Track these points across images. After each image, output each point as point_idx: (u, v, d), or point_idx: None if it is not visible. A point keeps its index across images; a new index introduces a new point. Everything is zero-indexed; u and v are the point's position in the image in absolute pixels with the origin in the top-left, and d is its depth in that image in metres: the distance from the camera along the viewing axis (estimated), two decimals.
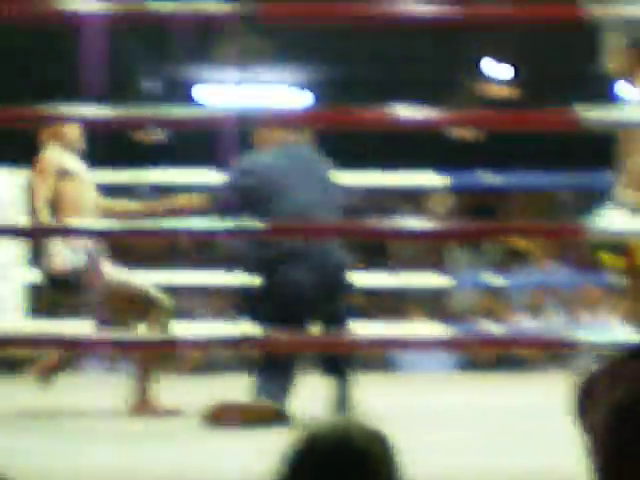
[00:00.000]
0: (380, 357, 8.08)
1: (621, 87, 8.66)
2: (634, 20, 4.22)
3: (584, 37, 4.96)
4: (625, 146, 4.11)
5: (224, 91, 10.04)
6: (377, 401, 4.76)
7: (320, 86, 10.72)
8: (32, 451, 3.78)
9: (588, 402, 1.00)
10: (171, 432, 4.60)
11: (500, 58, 9.72)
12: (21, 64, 8.48)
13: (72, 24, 4.27)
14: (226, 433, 4.50)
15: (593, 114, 3.34)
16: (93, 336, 5.05)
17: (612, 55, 3.94)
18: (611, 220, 3.87)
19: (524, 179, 7.61)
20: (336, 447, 1.36)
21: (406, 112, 3.34)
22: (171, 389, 5.46)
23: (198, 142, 6.34)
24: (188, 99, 10.26)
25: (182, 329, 6.15)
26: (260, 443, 3.21)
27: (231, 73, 9.64)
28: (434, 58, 9.39)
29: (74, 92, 5.26)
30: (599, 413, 0.97)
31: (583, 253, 6.92)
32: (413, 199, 9.05)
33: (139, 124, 5.58)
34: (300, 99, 10.56)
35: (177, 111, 3.78)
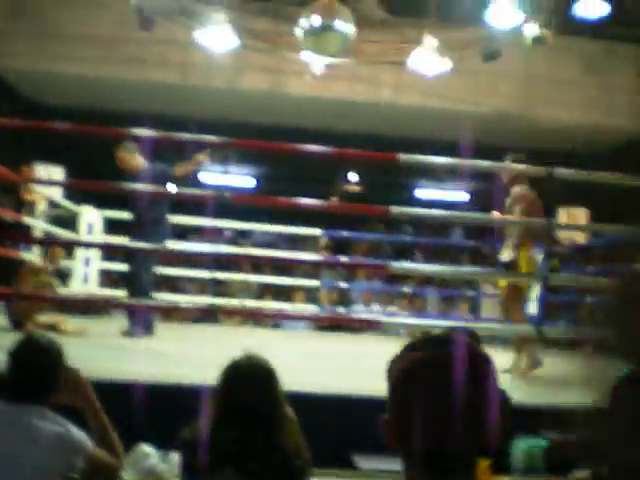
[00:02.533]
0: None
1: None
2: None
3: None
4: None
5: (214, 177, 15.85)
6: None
7: (260, 178, 16.74)
8: None
9: (392, 364, 1.34)
10: None
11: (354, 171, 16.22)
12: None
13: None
14: None
15: (396, 209, 5.28)
16: None
17: None
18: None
19: (358, 235, 13.54)
20: (251, 367, 2.60)
21: (305, 200, 5.75)
22: None
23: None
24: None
25: None
26: None
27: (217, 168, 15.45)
28: (324, 168, 14.21)
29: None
30: (394, 372, 1.31)
31: None
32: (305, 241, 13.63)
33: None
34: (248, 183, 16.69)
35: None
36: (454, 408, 1.24)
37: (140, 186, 6.89)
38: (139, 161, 7.52)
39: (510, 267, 6.31)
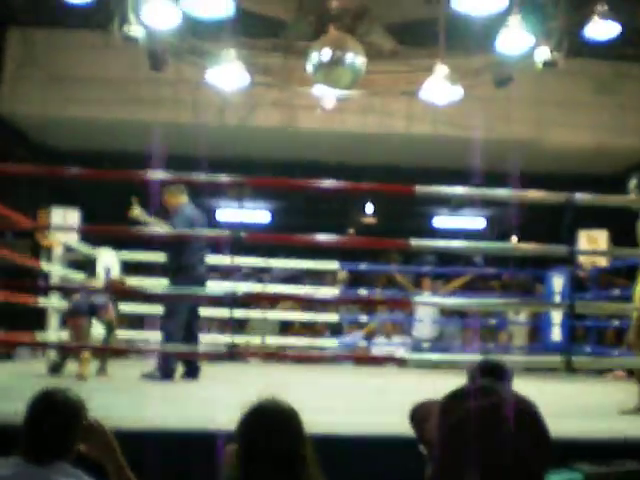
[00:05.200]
0: None
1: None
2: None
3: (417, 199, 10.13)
4: None
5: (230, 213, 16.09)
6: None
7: (275, 212, 16.78)
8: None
9: (423, 423, 1.42)
10: None
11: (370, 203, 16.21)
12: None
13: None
14: None
15: (417, 242, 5.35)
16: None
17: None
18: None
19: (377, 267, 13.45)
20: (273, 410, 2.45)
21: (321, 236, 5.84)
22: None
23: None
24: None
25: None
26: None
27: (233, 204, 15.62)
28: (339, 201, 15.21)
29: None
30: (433, 432, 1.32)
31: None
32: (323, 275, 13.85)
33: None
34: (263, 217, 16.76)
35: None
36: (503, 459, 1.23)
37: (158, 230, 6.87)
38: (182, 201, 7.60)
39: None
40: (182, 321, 7.35)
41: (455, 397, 1.32)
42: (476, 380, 1.38)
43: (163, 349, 7.13)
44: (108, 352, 7.99)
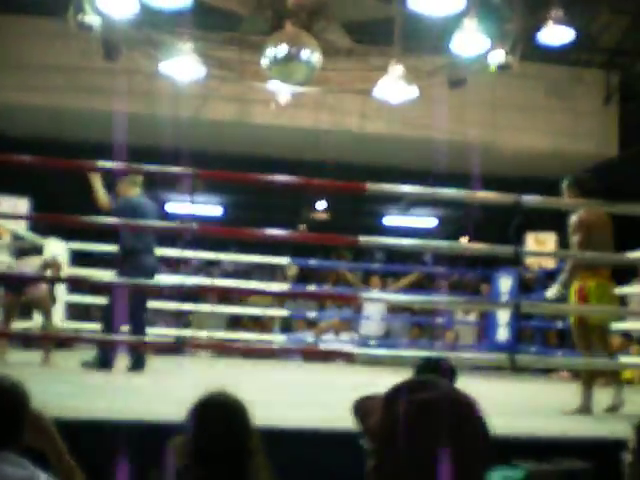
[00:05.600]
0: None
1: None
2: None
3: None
4: None
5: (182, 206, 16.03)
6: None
7: (228, 206, 16.79)
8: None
9: (367, 416, 1.34)
10: None
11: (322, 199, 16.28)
12: None
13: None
14: None
15: (366, 239, 5.39)
16: None
17: None
18: None
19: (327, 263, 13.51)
20: (222, 402, 2.57)
21: (272, 231, 5.87)
22: None
23: None
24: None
25: None
26: None
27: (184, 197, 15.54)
28: (291, 196, 14.74)
29: None
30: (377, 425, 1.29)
31: None
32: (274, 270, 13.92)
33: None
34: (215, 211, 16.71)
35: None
36: (439, 457, 1.21)
37: (108, 219, 6.81)
38: (132, 192, 7.57)
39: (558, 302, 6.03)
40: (121, 311, 7.23)
41: (399, 390, 1.33)
42: (420, 375, 1.39)
43: (103, 338, 7.03)
44: (49, 341, 7.92)
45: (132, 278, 7.03)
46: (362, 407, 1.40)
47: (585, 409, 5.71)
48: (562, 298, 5.97)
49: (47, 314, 7.86)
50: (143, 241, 7.39)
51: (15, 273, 7.86)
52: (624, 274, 8.46)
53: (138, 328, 7.36)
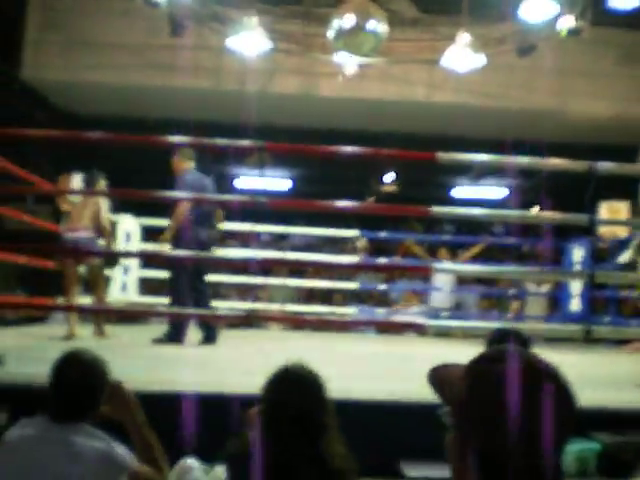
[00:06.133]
0: None
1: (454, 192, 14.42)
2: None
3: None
4: None
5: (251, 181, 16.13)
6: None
7: (296, 180, 16.82)
8: None
9: (448, 385, 1.32)
10: None
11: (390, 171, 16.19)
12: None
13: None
14: None
15: (438, 209, 5.16)
16: None
17: None
18: None
19: (397, 235, 13.35)
20: (299, 374, 2.57)
21: (341, 203, 5.62)
22: None
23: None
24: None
25: None
26: None
27: (252, 171, 15.68)
28: (359, 169, 14.87)
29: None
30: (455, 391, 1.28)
31: None
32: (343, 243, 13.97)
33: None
34: (284, 185, 16.74)
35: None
36: (535, 424, 1.21)
37: (177, 193, 6.87)
38: (187, 167, 7.54)
39: (631, 268, 5.94)
40: (186, 285, 7.26)
41: (482, 360, 1.31)
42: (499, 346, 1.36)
43: (172, 313, 7.08)
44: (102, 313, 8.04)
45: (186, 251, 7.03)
46: (439, 377, 1.39)
47: None
48: (634, 263, 5.85)
49: (96, 286, 7.87)
50: (195, 215, 7.36)
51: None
52: None
53: (201, 302, 7.34)
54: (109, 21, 11.40)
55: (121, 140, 6.13)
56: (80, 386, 2.65)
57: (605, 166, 5.23)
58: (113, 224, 9.60)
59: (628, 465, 3.68)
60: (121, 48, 11.35)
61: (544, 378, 1.25)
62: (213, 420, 3.23)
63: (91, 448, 2.55)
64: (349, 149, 5.45)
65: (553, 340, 8.36)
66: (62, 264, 7.72)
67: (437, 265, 8.57)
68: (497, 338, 2.93)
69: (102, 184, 7.85)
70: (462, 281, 12.15)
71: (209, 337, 7.39)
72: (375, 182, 16.29)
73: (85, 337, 7.33)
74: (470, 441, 1.25)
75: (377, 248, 13.57)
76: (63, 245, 7.64)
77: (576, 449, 3.74)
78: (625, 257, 5.87)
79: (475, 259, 11.94)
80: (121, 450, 2.62)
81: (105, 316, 8.02)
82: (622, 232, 10.40)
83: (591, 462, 3.75)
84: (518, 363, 1.25)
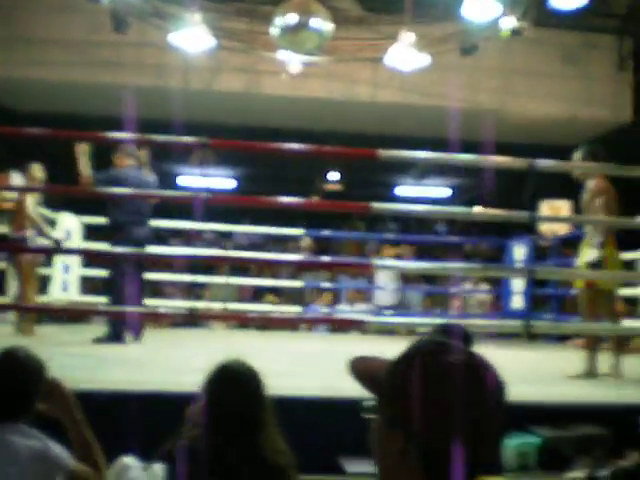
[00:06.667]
0: None
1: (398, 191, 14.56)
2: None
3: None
4: None
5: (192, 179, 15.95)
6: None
7: (240, 179, 16.79)
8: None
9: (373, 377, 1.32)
10: None
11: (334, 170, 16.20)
12: None
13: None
14: None
15: (378, 205, 5.31)
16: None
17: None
18: None
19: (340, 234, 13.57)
20: (237, 370, 2.57)
21: (284, 199, 5.67)
22: None
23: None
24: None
25: None
26: None
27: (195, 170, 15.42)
28: (303, 168, 14.84)
29: None
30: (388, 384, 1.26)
31: None
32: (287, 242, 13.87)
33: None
34: (228, 184, 16.63)
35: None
36: (455, 421, 1.19)
37: (115, 190, 6.77)
38: (128, 164, 7.47)
39: (597, 267, 6.00)
40: (123, 283, 7.10)
41: (416, 352, 1.29)
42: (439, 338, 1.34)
43: (113, 312, 6.96)
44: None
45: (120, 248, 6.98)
46: (361, 369, 1.37)
47: (590, 374, 5.76)
48: (600, 262, 5.94)
49: (24, 282, 7.81)
50: (130, 213, 7.27)
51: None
52: (631, 240, 8.40)
53: (116, 299, 7.11)
54: (51, 17, 11.17)
55: (60, 136, 6.02)
56: (13, 385, 2.59)
57: (544, 163, 5.30)
58: (51, 220, 9.50)
59: (568, 458, 3.71)
60: (63, 44, 11.13)
61: (483, 370, 1.25)
62: (152, 418, 3.19)
63: (27, 447, 2.49)
64: (293, 146, 5.45)
65: (496, 337, 8.46)
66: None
67: (378, 262, 8.63)
68: (439, 332, 2.93)
69: (37, 174, 7.83)
70: (406, 279, 12.23)
71: (115, 335, 7.23)
72: (319, 181, 16.28)
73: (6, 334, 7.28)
74: (407, 435, 1.23)
75: (321, 248, 13.52)
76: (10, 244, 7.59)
77: (516, 443, 3.76)
78: (593, 256, 5.96)
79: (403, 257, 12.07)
80: (58, 449, 2.56)
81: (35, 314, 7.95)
82: (562, 230, 10.56)
83: (531, 456, 3.78)
84: (451, 357, 1.23)
